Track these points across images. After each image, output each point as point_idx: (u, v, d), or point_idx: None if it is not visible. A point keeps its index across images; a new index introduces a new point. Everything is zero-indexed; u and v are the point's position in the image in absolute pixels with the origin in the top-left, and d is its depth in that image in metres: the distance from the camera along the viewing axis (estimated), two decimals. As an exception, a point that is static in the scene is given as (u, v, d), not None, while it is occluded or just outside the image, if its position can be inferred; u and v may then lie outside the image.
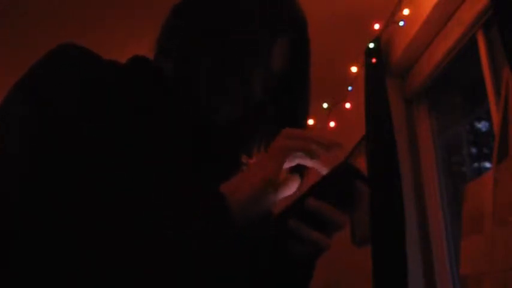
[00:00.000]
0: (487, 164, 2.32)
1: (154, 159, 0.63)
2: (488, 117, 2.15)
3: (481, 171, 2.39)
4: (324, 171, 0.66)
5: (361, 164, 2.94)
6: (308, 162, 0.66)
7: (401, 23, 2.43)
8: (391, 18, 2.51)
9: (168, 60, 0.75)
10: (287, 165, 0.66)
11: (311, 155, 0.64)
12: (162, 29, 0.78)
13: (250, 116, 0.73)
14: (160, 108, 0.68)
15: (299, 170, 0.69)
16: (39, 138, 0.56)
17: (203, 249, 0.55)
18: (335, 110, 3.15)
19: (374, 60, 2.63)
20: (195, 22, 0.75)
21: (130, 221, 0.54)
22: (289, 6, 0.80)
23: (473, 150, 2.49)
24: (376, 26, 2.62)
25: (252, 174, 0.62)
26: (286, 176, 0.64)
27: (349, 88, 2.98)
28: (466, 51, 2.22)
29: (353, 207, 0.68)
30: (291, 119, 0.79)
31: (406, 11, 2.39)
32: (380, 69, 2.62)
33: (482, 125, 2.46)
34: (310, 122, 3.21)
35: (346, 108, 3.07)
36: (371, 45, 2.66)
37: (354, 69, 2.87)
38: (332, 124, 3.18)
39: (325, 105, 3.14)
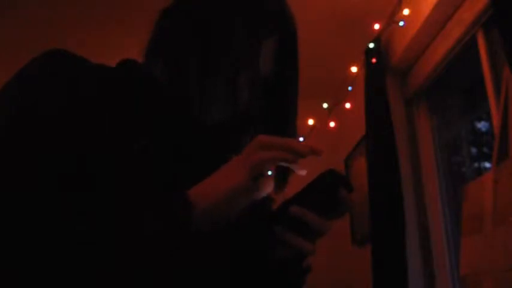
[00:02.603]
0: (487, 164, 2.32)
1: (137, 159, 0.63)
2: (488, 117, 2.15)
3: (481, 171, 2.39)
4: (303, 173, 0.66)
5: (361, 164, 2.94)
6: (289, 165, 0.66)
7: (401, 23, 2.43)
8: (391, 18, 2.51)
9: (157, 62, 0.75)
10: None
11: (287, 163, 0.64)
12: (152, 31, 0.78)
13: (239, 117, 0.73)
14: (149, 108, 0.68)
15: (283, 172, 0.69)
16: (25, 139, 0.57)
17: (161, 252, 0.55)
18: (335, 110, 3.15)
19: (374, 60, 2.63)
20: (184, 23, 0.75)
21: (102, 221, 0.54)
22: (279, 6, 0.80)
23: (473, 150, 2.49)
24: (376, 26, 2.62)
25: (218, 182, 0.62)
26: (260, 178, 0.63)
27: (349, 88, 2.98)
28: (466, 51, 2.22)
29: (337, 214, 0.68)
30: (281, 120, 0.80)
31: (406, 11, 2.39)
32: (380, 69, 2.62)
33: (482, 125, 2.46)
34: (310, 122, 3.21)
35: (346, 108, 3.07)
36: (371, 45, 2.66)
37: (354, 69, 2.87)
38: (332, 124, 3.18)
39: (325, 105, 3.14)
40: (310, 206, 0.66)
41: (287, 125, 0.80)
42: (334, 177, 0.67)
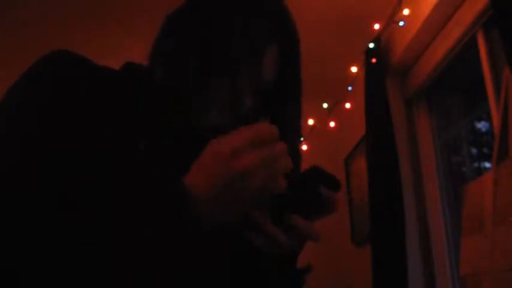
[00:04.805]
0: (487, 164, 2.32)
1: (138, 159, 0.63)
2: (488, 117, 2.16)
3: (481, 171, 2.39)
4: None
5: (361, 164, 2.94)
6: None
7: (401, 23, 2.43)
8: (391, 18, 2.51)
9: (158, 64, 0.75)
10: None
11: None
12: (156, 36, 0.78)
13: (239, 120, 0.73)
14: (149, 109, 0.68)
15: None
16: (25, 139, 0.57)
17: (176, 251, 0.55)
18: (335, 110, 3.16)
19: (374, 60, 2.63)
20: (187, 30, 0.75)
21: (102, 221, 0.54)
22: (280, 14, 0.80)
23: (473, 150, 2.49)
24: (376, 26, 2.62)
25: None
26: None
27: (349, 88, 2.98)
28: (466, 51, 2.22)
29: (319, 213, 0.65)
30: (283, 123, 0.79)
31: (406, 11, 2.39)
32: (380, 69, 2.62)
33: (482, 125, 2.46)
34: (310, 122, 3.21)
35: (346, 108, 3.07)
36: (371, 45, 2.66)
37: (354, 69, 2.87)
38: (332, 124, 3.18)
39: (325, 105, 3.15)
40: (291, 205, 0.63)
41: (290, 128, 0.80)
42: (314, 176, 0.63)
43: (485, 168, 2.33)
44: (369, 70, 2.70)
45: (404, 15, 2.41)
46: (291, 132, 0.80)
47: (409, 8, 2.39)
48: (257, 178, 0.57)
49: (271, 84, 0.78)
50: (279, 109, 0.80)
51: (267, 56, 0.76)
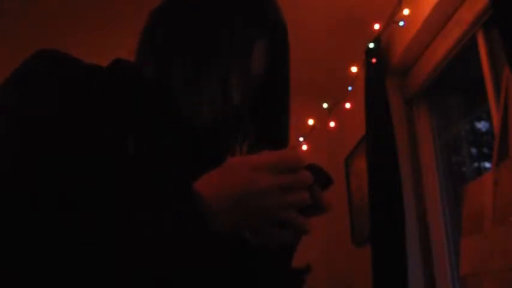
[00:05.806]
0: (487, 164, 2.32)
1: (134, 158, 0.63)
2: (488, 117, 2.16)
3: (481, 171, 2.39)
4: None
5: (361, 164, 2.94)
6: None
7: (401, 23, 2.43)
8: (391, 18, 2.51)
9: (149, 61, 0.75)
10: None
11: None
12: (142, 30, 0.78)
13: (230, 117, 0.73)
14: (141, 108, 0.68)
15: None
16: (23, 141, 0.57)
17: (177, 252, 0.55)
18: (335, 110, 3.15)
19: (374, 60, 2.63)
20: (174, 24, 0.75)
21: (107, 220, 0.54)
22: (269, 8, 0.80)
23: (473, 150, 2.49)
24: (376, 26, 2.62)
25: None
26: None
27: (349, 88, 2.98)
28: (466, 51, 2.22)
29: (312, 211, 0.64)
30: (272, 122, 0.79)
31: (406, 11, 2.39)
32: (380, 69, 2.62)
33: (482, 125, 2.46)
34: (310, 122, 3.21)
35: (346, 108, 3.07)
36: (371, 45, 2.66)
37: (354, 69, 2.87)
38: (332, 124, 3.18)
39: (325, 105, 3.14)
40: None
41: (278, 126, 0.80)
42: (313, 174, 0.62)
43: (485, 168, 2.33)
44: (369, 70, 2.70)
45: (404, 15, 2.41)
46: (279, 128, 0.80)
47: (409, 8, 2.39)
48: (269, 202, 0.57)
49: (260, 79, 0.78)
50: (268, 104, 0.80)
51: (256, 51, 0.76)
